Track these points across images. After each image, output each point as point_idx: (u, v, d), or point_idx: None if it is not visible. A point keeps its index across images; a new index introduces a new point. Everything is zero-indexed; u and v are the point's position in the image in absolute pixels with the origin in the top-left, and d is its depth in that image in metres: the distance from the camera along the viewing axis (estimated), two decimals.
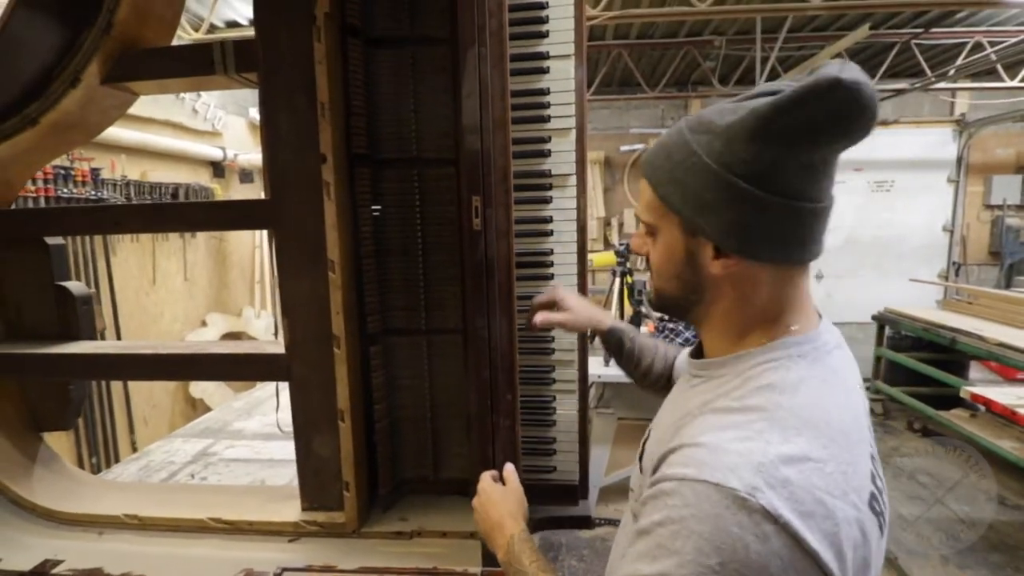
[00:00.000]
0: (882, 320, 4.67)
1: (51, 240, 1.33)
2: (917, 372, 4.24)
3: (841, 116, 0.51)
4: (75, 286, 1.37)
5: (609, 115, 6.94)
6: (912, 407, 4.28)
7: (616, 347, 1.06)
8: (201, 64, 1.10)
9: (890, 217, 6.74)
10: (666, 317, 3.40)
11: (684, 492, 0.51)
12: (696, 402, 0.62)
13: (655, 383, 1.05)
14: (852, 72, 0.49)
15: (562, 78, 1.15)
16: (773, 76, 5.20)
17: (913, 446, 4.14)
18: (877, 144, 6.46)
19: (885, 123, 6.43)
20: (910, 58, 5.25)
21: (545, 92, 1.15)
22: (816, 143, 0.53)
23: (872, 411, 4.62)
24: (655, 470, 0.58)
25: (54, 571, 1.14)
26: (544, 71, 1.14)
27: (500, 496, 0.89)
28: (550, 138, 1.17)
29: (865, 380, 4.88)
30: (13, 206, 1.42)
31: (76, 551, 1.20)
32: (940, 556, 2.88)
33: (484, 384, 1.01)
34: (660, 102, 6.74)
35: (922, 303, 5.15)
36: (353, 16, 1.11)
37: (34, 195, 2.84)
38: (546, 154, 1.16)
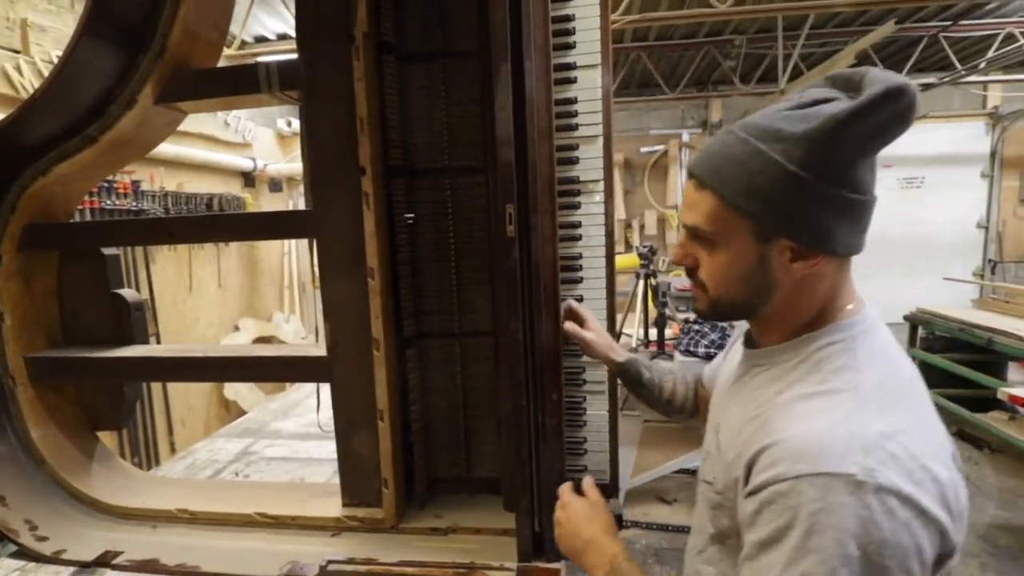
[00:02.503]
0: (915, 320, 4.57)
1: (107, 251, 1.42)
2: (952, 374, 4.13)
3: (902, 118, 0.57)
4: (129, 293, 1.45)
5: (628, 117, 6.93)
6: (947, 410, 4.17)
7: (635, 379, 1.05)
8: (247, 83, 1.17)
9: (921, 214, 6.58)
10: (692, 319, 3.39)
11: (804, 489, 0.52)
12: (768, 392, 0.64)
13: (681, 408, 1.05)
14: (904, 79, 0.56)
15: (589, 87, 1.19)
16: (796, 74, 5.15)
17: None
18: (906, 140, 6.30)
19: None
20: (938, 51, 5.14)
21: (573, 101, 1.19)
22: (881, 142, 0.59)
23: None
24: (749, 469, 0.59)
25: (114, 562, 1.21)
26: (572, 81, 1.18)
27: (590, 511, 0.86)
28: (578, 145, 1.20)
29: None
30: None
31: (133, 543, 1.28)
32: (979, 563, 2.80)
33: (519, 384, 1.04)
34: (680, 103, 6.71)
35: (956, 302, 5.01)
36: (388, 34, 1.16)
37: (80, 207, 2.99)
38: (574, 161, 1.20)
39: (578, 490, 0.94)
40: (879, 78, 0.57)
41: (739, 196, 0.61)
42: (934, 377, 4.40)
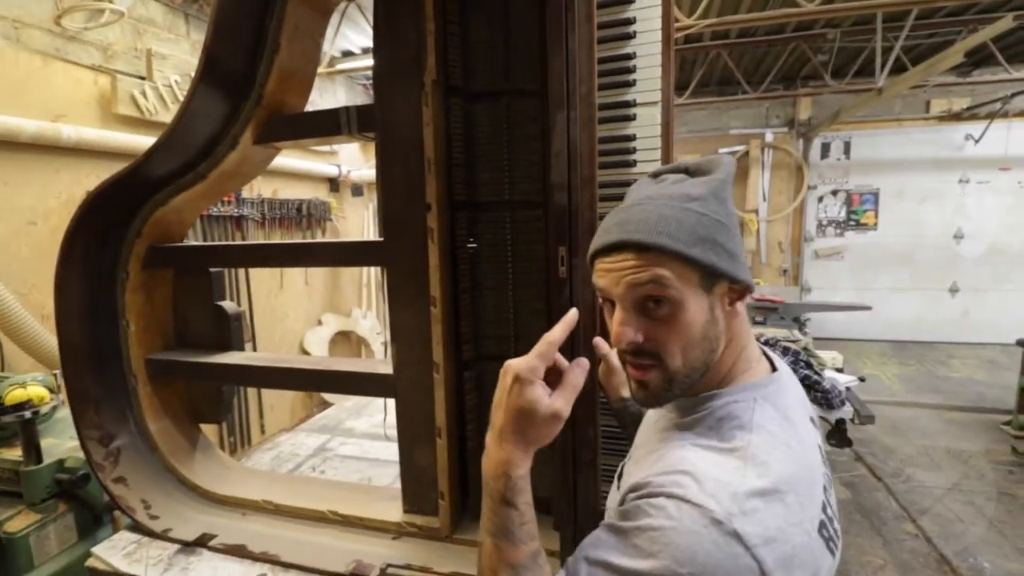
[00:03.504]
0: None
1: (212, 268, 1.62)
2: None
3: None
4: (229, 306, 1.64)
5: (706, 116, 6.66)
6: None
7: (635, 417, 1.03)
8: (331, 126, 1.29)
9: None
10: (766, 338, 3.24)
11: (668, 507, 0.58)
12: (677, 437, 0.68)
13: None
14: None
15: (648, 124, 1.20)
16: (899, 68, 4.72)
17: None
18: None
19: None
20: None
21: (632, 138, 1.20)
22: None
23: (1014, 450, 4.05)
24: (636, 490, 0.63)
25: (210, 543, 1.40)
26: (631, 118, 1.20)
27: (528, 413, 0.64)
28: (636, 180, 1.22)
29: (1007, 413, 4.24)
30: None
31: (226, 528, 1.46)
32: None
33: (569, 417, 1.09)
34: (764, 101, 6.35)
35: None
36: (455, 79, 1.24)
37: None
38: None
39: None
40: (725, 159, 0.72)
41: (690, 246, 0.64)
42: None
